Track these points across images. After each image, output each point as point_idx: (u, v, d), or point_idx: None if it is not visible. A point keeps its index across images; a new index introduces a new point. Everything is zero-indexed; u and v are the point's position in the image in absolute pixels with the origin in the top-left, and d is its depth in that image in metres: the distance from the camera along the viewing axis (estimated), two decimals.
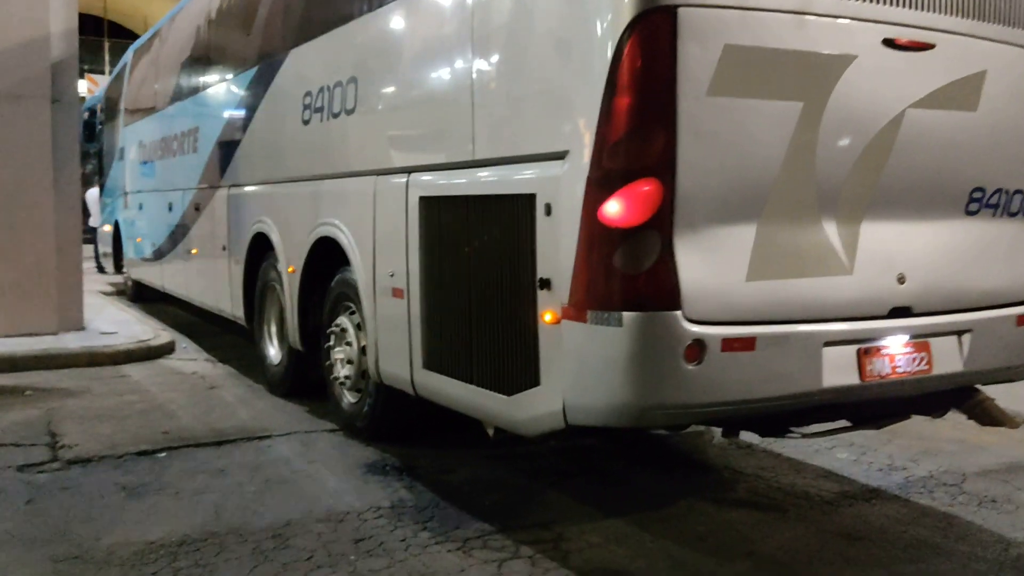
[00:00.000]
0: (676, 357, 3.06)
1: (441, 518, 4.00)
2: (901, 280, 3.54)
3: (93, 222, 15.75)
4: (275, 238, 6.20)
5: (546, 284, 3.31)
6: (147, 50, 10.72)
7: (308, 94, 5.56)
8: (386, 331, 4.68)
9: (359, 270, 4.93)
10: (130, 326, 9.06)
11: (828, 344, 3.34)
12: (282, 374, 6.38)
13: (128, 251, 11.89)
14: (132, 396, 6.39)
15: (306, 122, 5.60)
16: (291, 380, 6.29)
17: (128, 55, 11.98)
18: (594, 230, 3.08)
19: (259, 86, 6.52)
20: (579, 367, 3.20)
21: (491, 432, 3.98)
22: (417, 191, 4.29)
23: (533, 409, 3.47)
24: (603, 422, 3.21)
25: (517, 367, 3.54)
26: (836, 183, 3.36)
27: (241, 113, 6.94)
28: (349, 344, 5.25)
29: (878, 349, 3.48)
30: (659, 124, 3.03)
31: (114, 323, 9.21)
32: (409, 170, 4.40)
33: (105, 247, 13.69)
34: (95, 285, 13.83)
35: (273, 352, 6.65)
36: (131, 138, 11.33)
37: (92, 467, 4.70)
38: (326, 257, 5.49)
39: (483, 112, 3.75)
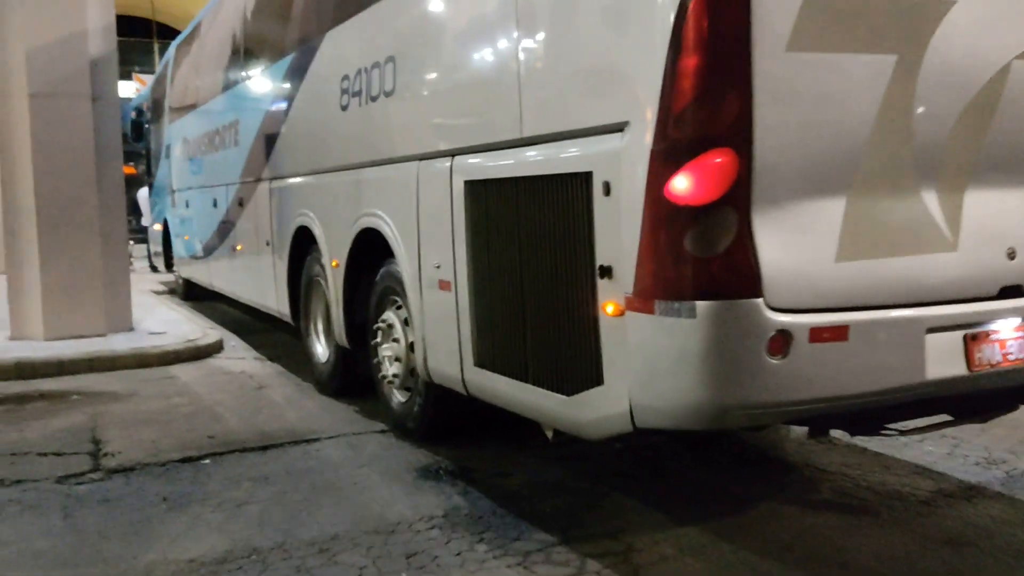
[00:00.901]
0: (758, 351, 2.70)
1: (499, 528, 3.70)
2: (1011, 255, 3.12)
3: (144, 221, 15.78)
4: (318, 231, 5.95)
5: (607, 272, 2.97)
6: (188, 45, 10.59)
7: (345, 78, 5.27)
8: (434, 326, 4.38)
9: (404, 262, 4.64)
10: (179, 325, 8.94)
11: (931, 330, 2.94)
12: (330, 372, 6.14)
13: (177, 249, 11.82)
14: (179, 399, 6.21)
15: (344, 108, 5.32)
16: (339, 378, 6.05)
17: (170, 51, 11.88)
18: (660, 209, 2.73)
19: (296, 73, 6.27)
20: (647, 364, 2.86)
21: (550, 434, 3.66)
22: (461, 175, 3.97)
23: (597, 410, 3.14)
24: (675, 424, 2.87)
25: (577, 364, 3.21)
26: (936, 147, 2.96)
27: (280, 103, 6.70)
28: (396, 340, 4.97)
29: (987, 334, 3.07)
30: (732, 86, 2.67)
31: (163, 323, 9.11)
32: (453, 153, 4.08)
33: (156, 246, 13.68)
34: (148, 284, 13.87)
35: (320, 350, 6.41)
36: (176, 135, 11.23)
37: (134, 476, 4.49)
38: (370, 249, 5.22)
39: (530, 84, 3.42)
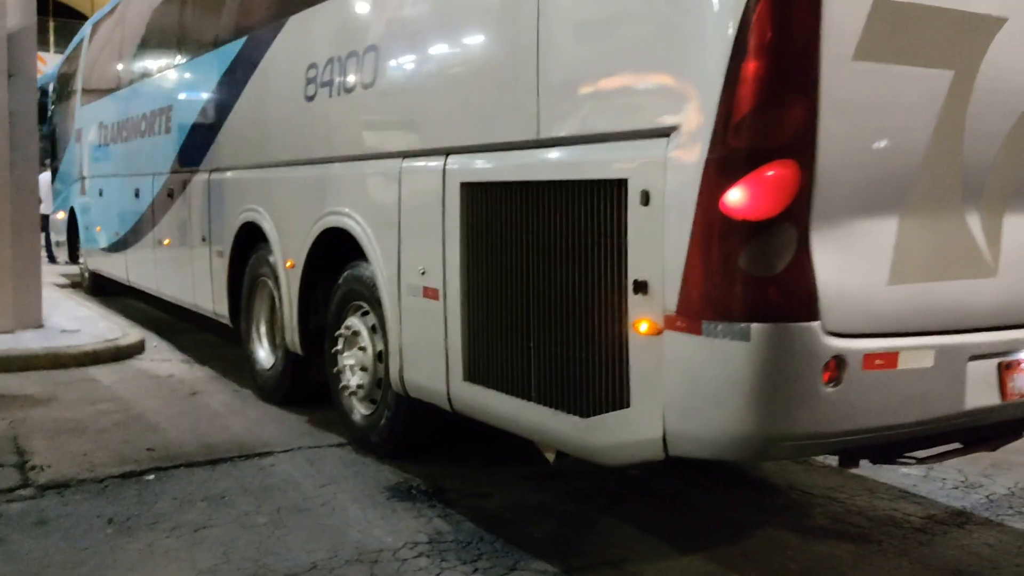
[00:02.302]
0: (813, 377, 2.54)
1: (491, 556, 3.44)
2: None
3: (44, 209, 14.78)
4: (269, 228, 5.56)
5: (642, 287, 2.76)
6: (110, 22, 9.91)
7: (313, 67, 4.92)
8: (414, 336, 4.09)
9: (378, 266, 4.33)
10: (93, 323, 8.31)
11: (972, 358, 2.85)
12: (276, 379, 5.74)
13: (86, 240, 11.06)
14: (105, 404, 5.70)
15: (310, 98, 4.96)
16: (287, 387, 5.66)
17: (86, 29, 11.12)
18: (713, 223, 2.54)
19: (248, 59, 5.85)
20: (688, 388, 2.66)
21: (551, 457, 3.43)
22: (457, 176, 3.70)
23: (619, 435, 2.92)
24: (717, 454, 2.68)
25: (597, 384, 2.98)
26: (982, 168, 2.87)
27: (225, 90, 6.25)
28: (362, 349, 4.64)
29: (1019, 363, 2.99)
30: (798, 93, 2.50)
31: (75, 319, 8.45)
32: (446, 151, 3.81)
33: (59, 235, 12.80)
34: (48, 276, 12.89)
35: (263, 355, 6.00)
36: (90, 119, 10.50)
37: (70, 494, 4.04)
38: (333, 250, 4.88)
39: (553, 79, 3.17)
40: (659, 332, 2.71)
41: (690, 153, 2.60)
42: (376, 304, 4.46)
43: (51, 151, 13.24)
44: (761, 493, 4.30)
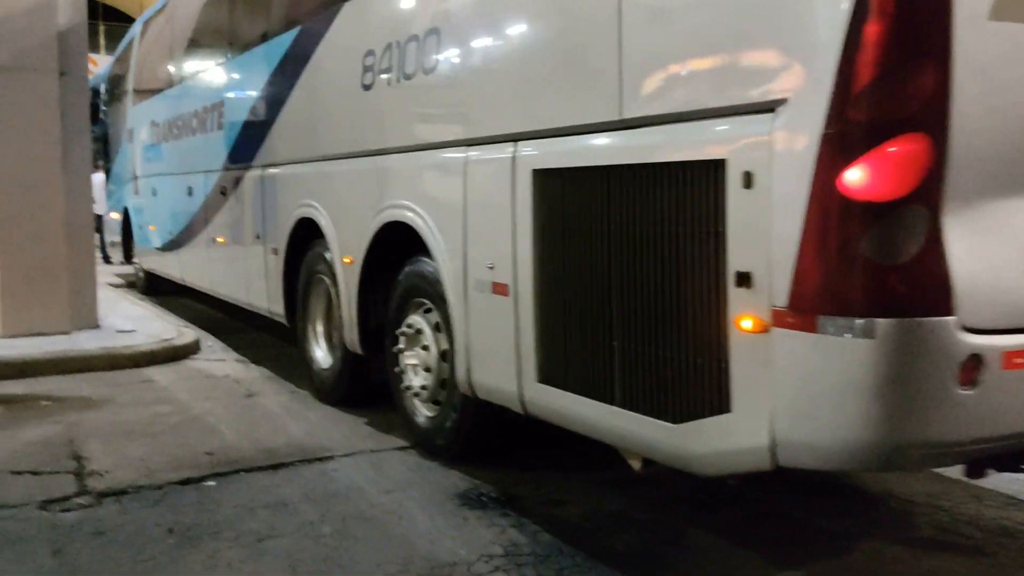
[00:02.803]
0: (948, 379, 2.25)
1: (572, 570, 3.20)
2: None
3: (98, 209, 14.89)
4: (325, 224, 5.38)
5: (745, 280, 2.50)
6: (159, 20, 9.85)
7: (370, 54, 4.72)
8: (482, 335, 3.86)
9: (442, 261, 4.11)
10: (148, 323, 8.25)
11: None
12: (334, 380, 5.56)
13: (140, 240, 11.07)
14: (162, 407, 5.58)
15: (367, 87, 4.76)
16: (346, 387, 5.48)
17: (136, 27, 11.11)
18: (831, 206, 2.27)
19: (301, 50, 5.67)
20: (801, 391, 2.39)
21: (637, 466, 3.18)
22: (529, 163, 3.46)
23: (718, 442, 2.66)
24: (834, 465, 2.41)
25: (692, 387, 2.73)
26: None
27: (277, 83, 6.09)
28: (425, 348, 4.44)
29: None
30: (929, 58, 2.22)
31: (130, 319, 8.40)
32: (516, 137, 3.57)
33: (113, 236, 12.86)
34: (103, 277, 12.97)
35: (321, 354, 5.83)
36: (142, 118, 10.48)
37: (129, 501, 3.89)
38: (393, 245, 4.68)
39: (637, 53, 2.91)
40: (766, 329, 2.44)
41: (802, 128, 2.32)
42: (440, 301, 4.24)
43: (104, 152, 13.30)
44: (856, 501, 4.00)
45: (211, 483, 4.15)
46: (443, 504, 3.86)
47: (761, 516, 3.77)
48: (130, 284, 12.15)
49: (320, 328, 5.90)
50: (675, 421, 2.80)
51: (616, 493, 4.00)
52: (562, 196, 3.29)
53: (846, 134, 2.24)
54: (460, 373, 4.03)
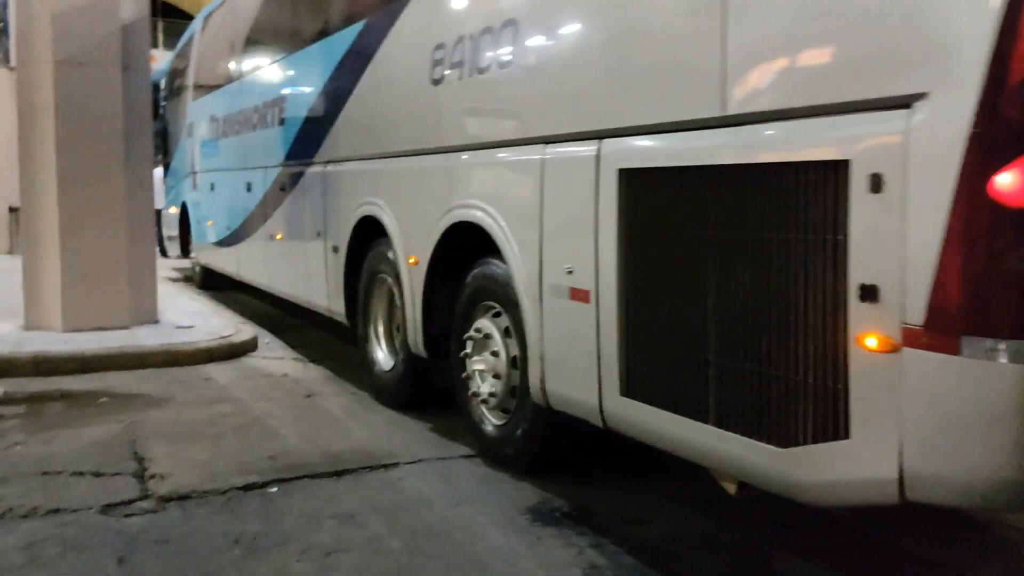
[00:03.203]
0: None
1: None
2: None
3: (156, 203, 14.99)
4: (389, 223, 5.23)
5: (870, 294, 2.27)
6: (221, 14, 9.82)
7: (440, 47, 4.55)
8: (558, 343, 3.67)
9: (515, 264, 3.93)
10: (206, 319, 8.21)
11: None
12: (396, 383, 5.42)
13: (197, 235, 11.08)
14: (222, 406, 5.48)
15: (437, 82, 4.59)
16: (407, 390, 5.33)
17: (197, 22, 11.11)
18: (980, 213, 2.03)
19: (367, 43, 5.53)
20: (938, 420, 2.15)
21: (732, 489, 2.96)
22: (615, 162, 3.26)
23: (832, 471, 2.43)
24: (973, 502, 2.18)
25: (802, 410, 2.50)
26: None
27: (341, 77, 5.96)
28: (495, 354, 4.26)
29: None
30: None
31: (188, 315, 8.37)
32: (600, 135, 3.37)
33: (171, 230, 12.91)
34: (160, 271, 13.07)
35: (382, 356, 5.70)
36: (201, 113, 10.47)
37: (193, 508, 3.77)
38: (461, 246, 4.52)
39: (744, 42, 2.68)
40: (895, 349, 2.21)
41: (945, 126, 2.09)
42: (511, 305, 4.06)
43: (162, 147, 13.37)
44: (961, 528, 3.72)
45: (274, 489, 4.02)
46: (515, 519, 3.68)
47: (858, 542, 3.52)
48: (187, 279, 12.21)
49: (381, 329, 5.77)
50: (780, 445, 2.58)
51: (699, 512, 3.78)
52: (652, 198, 3.08)
53: (999, 133, 2.01)
54: (533, 382, 3.84)
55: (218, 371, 6.58)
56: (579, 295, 3.48)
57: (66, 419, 5.16)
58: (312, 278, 6.70)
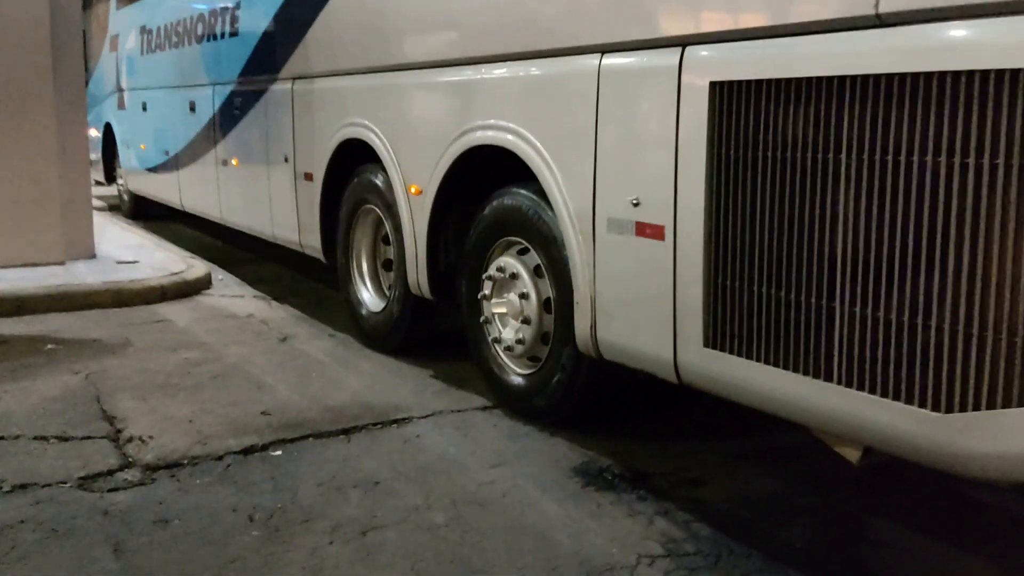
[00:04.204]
0: None
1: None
2: None
3: None
4: (382, 147, 4.64)
5: None
6: None
7: None
8: (617, 286, 3.22)
9: (556, 194, 3.43)
10: (149, 253, 7.47)
11: None
12: (388, 326, 4.89)
13: (126, 160, 10.17)
14: (190, 352, 4.88)
15: None
16: (404, 334, 4.82)
17: None
18: None
19: None
20: None
21: (855, 456, 2.58)
22: (705, 73, 2.76)
23: (1013, 442, 2.06)
24: None
25: (970, 368, 2.12)
26: None
27: None
28: (524, 296, 3.78)
29: None
30: None
31: (127, 248, 7.63)
32: (683, 41, 2.86)
33: (92, 153, 11.86)
34: None
35: (368, 296, 5.15)
36: (128, 23, 9.48)
37: (188, 478, 3.24)
38: (474, 173, 4.00)
39: None
40: None
41: None
42: (546, 242, 3.58)
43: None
44: None
45: (277, 452, 3.51)
46: (563, 483, 3.26)
47: (958, 505, 3.20)
48: (112, 207, 11.25)
49: (365, 266, 5.22)
50: (939, 409, 2.20)
51: (759, 469, 3.44)
52: (756, 116, 2.60)
53: None
54: (581, 329, 3.39)
55: (173, 311, 5.94)
56: (650, 231, 3.01)
57: (11, 371, 4.49)
58: (278, 209, 6.05)
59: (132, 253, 7.33)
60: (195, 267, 6.89)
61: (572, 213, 3.36)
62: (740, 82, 2.65)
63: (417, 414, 3.96)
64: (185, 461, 3.38)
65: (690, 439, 3.72)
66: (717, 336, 2.81)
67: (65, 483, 3.16)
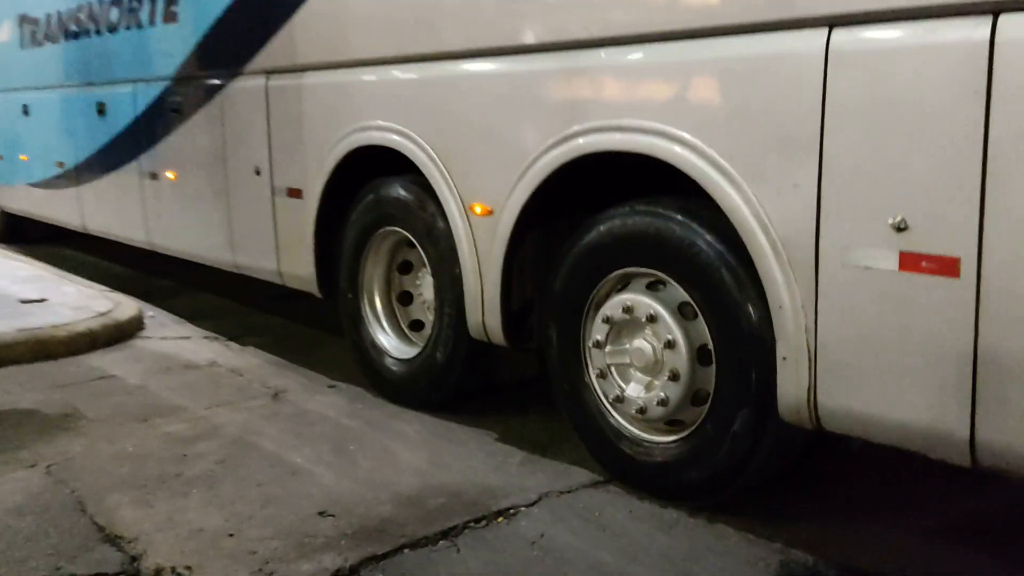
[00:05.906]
0: None
1: None
2: None
3: None
4: (422, 156, 3.68)
5: None
6: None
7: None
8: (863, 337, 2.42)
9: (743, 211, 2.61)
10: (55, 287, 6.12)
11: None
12: (430, 377, 3.90)
13: (3, 173, 8.57)
14: (169, 424, 3.76)
15: None
16: (452, 387, 3.87)
17: None
18: None
19: None
20: None
21: None
22: None
23: None
24: None
25: None
26: None
27: None
28: (670, 345, 2.94)
29: None
30: None
31: (24, 283, 6.26)
32: (996, 8, 2.12)
33: None
34: None
35: (387, 340, 4.17)
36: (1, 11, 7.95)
37: None
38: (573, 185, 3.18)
39: None
40: None
41: None
42: (701, 274, 2.77)
43: None
44: None
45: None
46: None
47: None
48: None
49: (379, 302, 4.23)
50: None
51: (952, 552, 2.74)
52: None
53: None
54: (787, 392, 2.58)
55: (113, 363, 4.74)
56: (928, 264, 2.25)
57: None
58: (243, 232, 4.95)
59: (33, 289, 5.96)
60: (123, 304, 5.64)
61: (776, 239, 2.55)
62: None
63: (520, 500, 3.04)
64: None
65: (865, 520, 2.96)
66: None
67: None
